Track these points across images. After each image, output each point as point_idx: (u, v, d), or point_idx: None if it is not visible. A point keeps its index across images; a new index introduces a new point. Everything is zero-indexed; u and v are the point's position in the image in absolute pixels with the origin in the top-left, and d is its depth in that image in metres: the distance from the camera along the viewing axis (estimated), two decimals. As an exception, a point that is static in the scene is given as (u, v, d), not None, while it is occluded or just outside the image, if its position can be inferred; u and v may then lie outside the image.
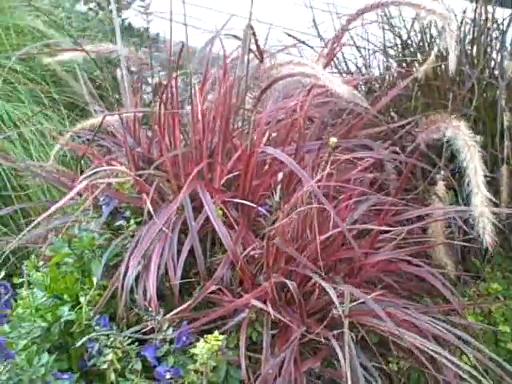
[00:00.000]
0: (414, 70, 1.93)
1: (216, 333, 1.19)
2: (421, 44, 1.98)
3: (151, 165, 1.50)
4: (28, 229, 1.42)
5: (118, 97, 1.79)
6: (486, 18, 1.86)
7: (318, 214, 1.35)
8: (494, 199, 1.37)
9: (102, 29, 2.75)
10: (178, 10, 1.56)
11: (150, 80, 1.94)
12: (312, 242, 1.33)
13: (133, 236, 1.43)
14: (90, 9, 3.11)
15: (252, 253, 1.34)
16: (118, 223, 1.44)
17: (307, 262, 1.32)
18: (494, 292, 1.84)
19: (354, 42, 1.92)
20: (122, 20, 3.14)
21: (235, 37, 1.66)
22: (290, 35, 1.70)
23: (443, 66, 1.83)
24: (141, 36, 3.14)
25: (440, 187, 1.55)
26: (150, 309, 1.28)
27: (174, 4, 1.55)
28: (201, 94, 1.59)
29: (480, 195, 1.30)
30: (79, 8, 3.09)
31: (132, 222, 1.45)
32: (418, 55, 2.00)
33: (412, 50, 2.01)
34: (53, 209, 1.36)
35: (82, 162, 1.55)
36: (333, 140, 1.37)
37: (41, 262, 1.46)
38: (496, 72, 1.90)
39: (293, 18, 2.49)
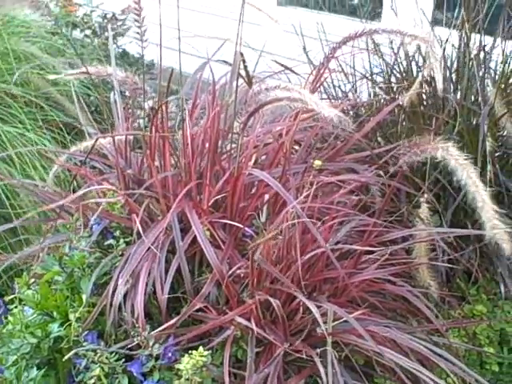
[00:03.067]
0: (400, 95, 1.99)
1: (201, 349, 1.21)
2: (406, 70, 2.04)
3: (141, 186, 1.54)
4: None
5: (111, 121, 1.83)
6: (468, 45, 1.92)
7: (302, 235, 1.39)
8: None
9: (98, 55, 2.81)
10: (170, 36, 1.61)
11: (143, 105, 1.99)
12: (296, 262, 1.36)
13: (122, 255, 1.47)
14: (86, 36, 3.19)
15: (238, 272, 1.38)
16: (107, 242, 1.47)
17: (290, 281, 1.35)
18: (478, 314, 1.87)
19: (342, 69, 1.98)
20: (118, 47, 3.22)
21: (225, 62, 1.71)
22: (277, 62, 1.75)
23: (428, 92, 1.88)
24: (136, 63, 3.21)
25: (423, 210, 1.59)
26: (138, 325, 1.31)
27: (167, 31, 1.60)
28: (190, 119, 1.64)
29: (487, 208, 1.33)
30: (75, 35, 3.16)
31: (121, 241, 1.48)
32: (404, 81, 2.06)
33: (398, 75, 2.07)
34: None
35: (75, 182, 1.59)
36: (317, 163, 1.42)
37: (32, 280, 1.50)
38: (479, 98, 1.95)
39: (283, 44, 2.56)
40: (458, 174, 1.38)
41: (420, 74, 1.88)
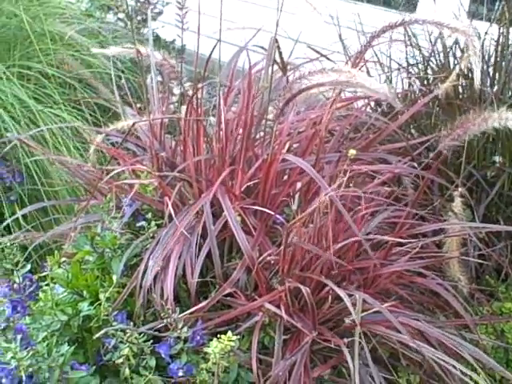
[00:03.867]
0: (436, 87, 1.96)
1: (229, 333, 1.22)
2: (443, 62, 2.01)
3: (174, 169, 1.54)
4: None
5: (144, 104, 1.84)
6: (508, 38, 1.88)
7: (333, 224, 1.38)
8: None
9: (131, 38, 2.82)
10: (205, 23, 1.61)
11: (176, 90, 1.99)
12: (327, 250, 1.35)
13: (153, 237, 1.47)
14: (119, 19, 3.19)
15: (268, 258, 1.38)
16: (139, 224, 1.48)
17: (320, 270, 1.35)
18: (507, 311, 1.84)
19: (378, 59, 1.95)
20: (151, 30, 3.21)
21: (262, 48, 1.70)
22: (313, 49, 1.74)
23: (464, 85, 1.85)
24: (167, 47, 3.21)
25: (457, 204, 1.57)
26: (167, 307, 1.31)
27: (202, 18, 1.60)
28: (225, 104, 1.63)
29: None
30: (109, 18, 3.17)
31: (153, 223, 1.49)
32: (440, 73, 2.03)
33: (434, 67, 2.04)
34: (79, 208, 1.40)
35: (108, 162, 1.59)
36: (352, 152, 1.40)
37: (63, 259, 1.51)
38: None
39: (319, 33, 2.54)
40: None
41: (457, 67, 1.86)
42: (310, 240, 1.38)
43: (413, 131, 2.03)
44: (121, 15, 3.27)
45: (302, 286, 1.27)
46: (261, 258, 1.35)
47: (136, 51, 1.61)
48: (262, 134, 1.61)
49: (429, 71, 2.01)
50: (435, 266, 1.59)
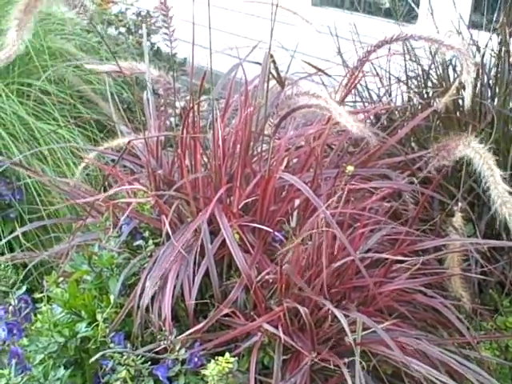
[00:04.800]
0: (436, 100, 1.95)
1: (227, 355, 1.20)
2: (443, 76, 2.00)
3: (172, 187, 1.53)
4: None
5: (143, 119, 1.83)
6: (508, 51, 1.87)
7: (332, 242, 1.37)
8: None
9: (131, 53, 2.82)
10: (203, 35, 1.60)
11: (176, 104, 1.99)
12: (326, 269, 1.34)
13: (151, 256, 1.46)
14: (120, 33, 3.20)
15: (266, 277, 1.36)
16: (136, 243, 1.47)
17: (319, 288, 1.33)
18: (511, 326, 1.82)
19: (377, 72, 1.94)
20: (152, 44, 3.22)
21: (258, 64, 1.69)
22: (310, 64, 1.73)
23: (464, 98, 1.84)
24: (168, 60, 3.22)
25: (457, 218, 1.56)
26: (164, 328, 1.30)
27: (200, 30, 1.60)
28: (222, 120, 1.63)
29: (499, 189, 1.29)
30: (110, 32, 3.17)
31: (150, 242, 1.48)
32: (440, 87, 2.02)
33: (434, 80, 2.03)
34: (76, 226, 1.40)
35: (106, 181, 1.59)
36: (349, 168, 1.39)
37: (61, 278, 1.50)
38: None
39: (317, 45, 2.53)
40: (475, 162, 1.33)
41: (456, 80, 1.84)
42: (308, 258, 1.37)
43: (413, 144, 2.02)
44: (122, 29, 3.28)
45: (300, 307, 1.25)
46: (259, 277, 1.34)
47: (130, 67, 1.60)
48: (259, 149, 1.60)
49: (428, 84, 2.00)
50: (437, 282, 1.57)
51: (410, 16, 3.04)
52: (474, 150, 1.29)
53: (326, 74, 1.67)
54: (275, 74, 1.58)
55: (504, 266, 1.83)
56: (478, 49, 1.98)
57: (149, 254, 1.46)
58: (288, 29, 1.74)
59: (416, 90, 1.98)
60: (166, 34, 1.63)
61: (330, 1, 3.58)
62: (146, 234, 1.50)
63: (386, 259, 1.44)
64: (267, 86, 1.46)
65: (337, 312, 1.23)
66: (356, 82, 1.57)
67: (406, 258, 1.38)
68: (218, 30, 1.53)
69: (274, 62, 1.40)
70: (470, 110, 1.86)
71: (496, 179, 1.29)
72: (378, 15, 3.28)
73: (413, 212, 1.65)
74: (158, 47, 3.28)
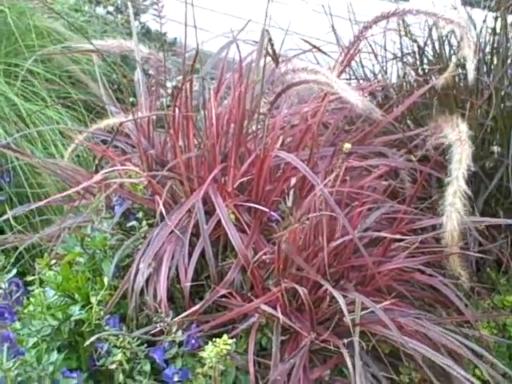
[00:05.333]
0: (432, 77, 1.92)
1: (225, 337, 1.18)
2: (438, 51, 1.97)
3: (164, 167, 1.50)
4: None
5: (134, 99, 1.79)
6: (506, 27, 1.84)
7: (330, 221, 1.35)
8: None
9: (120, 32, 2.76)
10: (194, 15, 1.56)
11: (167, 84, 1.95)
12: (323, 249, 1.32)
13: (144, 237, 1.43)
14: (109, 12, 3.14)
15: (263, 257, 1.34)
16: (130, 224, 1.44)
17: (317, 268, 1.31)
18: (509, 305, 1.82)
19: (372, 49, 1.91)
20: (141, 24, 3.16)
21: (254, 42, 1.65)
22: (306, 41, 1.70)
23: (461, 75, 1.81)
24: (158, 39, 3.16)
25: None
26: (160, 311, 1.28)
27: (191, 9, 1.56)
28: (215, 98, 1.59)
29: (455, 186, 1.27)
30: (98, 11, 3.11)
31: (144, 223, 1.45)
32: (437, 63, 1.99)
33: (429, 57, 2.00)
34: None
35: (97, 162, 1.55)
36: (347, 146, 1.37)
37: (53, 261, 1.47)
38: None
39: (310, 24, 2.49)
40: (453, 149, 1.29)
41: (453, 57, 1.81)
42: (305, 237, 1.35)
43: (409, 122, 1.99)
44: (110, 8, 3.22)
45: (298, 287, 1.23)
46: (256, 257, 1.31)
47: (119, 45, 1.56)
48: (254, 128, 1.57)
49: (424, 60, 1.97)
50: (435, 261, 1.55)
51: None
52: (457, 136, 1.26)
53: (321, 50, 1.64)
54: (270, 51, 1.55)
55: (501, 245, 1.82)
56: (474, 25, 1.95)
57: (143, 235, 1.44)
58: (281, 7, 1.70)
59: (412, 66, 1.95)
60: (155, 10, 1.59)
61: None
62: (140, 214, 1.47)
63: (384, 238, 1.42)
64: (264, 63, 1.42)
65: (335, 293, 1.21)
66: (352, 58, 1.54)
67: (404, 237, 1.36)
68: (211, 10, 1.49)
69: (270, 39, 1.37)
70: (466, 86, 1.83)
71: (458, 175, 1.27)
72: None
73: (410, 190, 1.63)
74: (147, 26, 3.22)
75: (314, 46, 1.67)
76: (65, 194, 1.29)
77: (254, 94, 1.54)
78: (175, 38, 3.05)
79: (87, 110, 2.14)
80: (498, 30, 1.89)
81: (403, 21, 1.89)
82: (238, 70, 1.61)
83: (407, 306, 1.42)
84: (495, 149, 1.92)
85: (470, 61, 1.22)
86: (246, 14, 1.82)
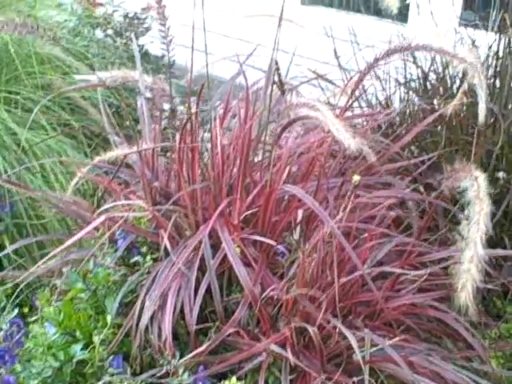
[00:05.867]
0: (436, 103, 1.90)
1: (234, 379, 1.14)
2: (442, 77, 1.95)
3: (169, 199, 1.47)
4: (42, 261, 1.40)
5: (133, 123, 1.76)
6: (510, 50, 1.83)
7: (338, 253, 1.32)
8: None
9: (120, 56, 2.75)
10: (198, 38, 1.54)
11: (164, 106, 1.92)
12: (332, 284, 1.29)
13: (149, 272, 1.40)
14: (108, 35, 3.12)
15: (271, 293, 1.31)
16: (133, 260, 1.41)
17: (326, 303, 1.28)
18: (516, 334, 1.79)
19: (377, 75, 1.89)
20: (139, 46, 3.15)
21: (262, 71, 1.63)
22: (312, 71, 1.68)
23: (467, 102, 1.79)
24: (155, 62, 3.15)
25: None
26: (165, 351, 1.24)
27: (195, 32, 1.53)
28: (221, 127, 1.57)
29: (472, 251, 1.22)
30: (97, 35, 3.10)
31: (148, 258, 1.42)
32: (440, 89, 1.97)
33: (433, 82, 1.98)
34: (69, 242, 1.33)
35: (101, 194, 1.52)
36: (356, 178, 1.34)
37: (54, 296, 1.44)
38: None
39: (314, 47, 2.47)
40: (472, 206, 1.25)
41: (457, 82, 1.79)
42: (313, 272, 1.32)
43: (412, 148, 1.97)
44: (109, 31, 3.21)
45: (308, 326, 1.20)
46: (263, 294, 1.28)
47: (123, 76, 1.53)
48: (260, 157, 1.54)
49: (428, 86, 1.95)
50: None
51: (401, 14, 2.99)
52: (475, 193, 1.22)
53: (326, 79, 1.62)
54: (277, 80, 1.53)
55: (507, 272, 1.79)
56: (475, 47, 1.93)
57: (147, 270, 1.40)
58: (285, 30, 1.68)
59: (416, 93, 1.93)
60: (162, 31, 1.56)
61: (319, 0, 3.52)
62: (144, 249, 1.44)
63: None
64: (271, 93, 1.40)
65: (347, 332, 1.18)
66: (359, 90, 1.52)
67: (414, 272, 1.33)
68: (213, 32, 1.46)
69: (277, 69, 1.35)
70: (471, 112, 1.82)
71: (476, 240, 1.22)
72: (370, 14, 3.23)
73: (417, 220, 1.60)
74: (146, 49, 3.20)
75: (319, 75, 1.64)
76: (69, 242, 1.25)
77: (261, 124, 1.51)
78: (174, 60, 3.04)
79: (87, 137, 2.11)
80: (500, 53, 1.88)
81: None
82: (245, 99, 1.59)
83: (415, 340, 1.39)
84: (500, 175, 1.90)
85: (482, 101, 1.20)
86: (251, 36, 1.80)
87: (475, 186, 1.18)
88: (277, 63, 1.42)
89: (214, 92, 1.71)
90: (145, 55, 3.26)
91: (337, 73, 1.95)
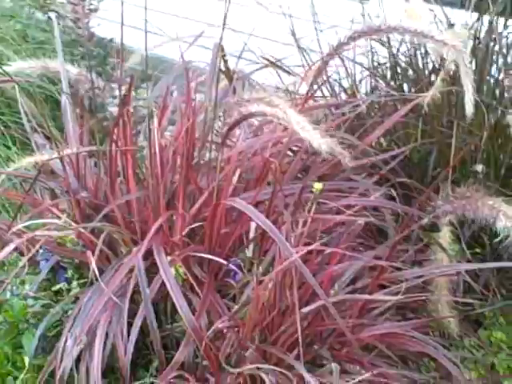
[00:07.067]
0: (407, 91, 1.71)
1: None
2: (412, 60, 1.75)
3: (99, 211, 1.25)
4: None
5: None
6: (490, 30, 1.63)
7: (300, 277, 1.12)
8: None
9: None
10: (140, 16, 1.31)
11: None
12: (292, 311, 1.09)
13: (76, 300, 1.18)
14: (50, 18, 2.86)
15: (220, 326, 1.10)
16: (55, 288, 1.19)
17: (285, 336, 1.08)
18: (497, 342, 1.63)
19: (343, 61, 1.68)
20: (85, 29, 2.89)
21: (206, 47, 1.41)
22: (266, 59, 1.46)
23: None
24: (105, 46, 2.90)
25: (444, 235, 1.32)
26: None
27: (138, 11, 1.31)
28: (159, 125, 1.34)
29: None
30: (38, 16, 2.84)
31: (75, 283, 1.21)
32: (410, 71, 1.78)
33: (403, 66, 1.78)
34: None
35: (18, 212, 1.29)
36: (318, 186, 1.13)
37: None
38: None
39: (272, 25, 2.25)
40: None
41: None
42: (270, 298, 1.11)
43: (381, 140, 1.78)
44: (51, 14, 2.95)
45: (265, 376, 0.99)
46: (210, 330, 1.07)
47: (43, 66, 1.30)
48: (205, 160, 1.33)
49: (398, 71, 1.75)
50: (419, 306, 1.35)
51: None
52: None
53: (282, 68, 1.40)
54: (224, 68, 1.31)
55: (487, 277, 1.63)
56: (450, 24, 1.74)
57: (73, 298, 1.18)
58: (240, 9, 1.47)
59: (384, 80, 1.73)
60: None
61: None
62: (69, 273, 1.21)
63: (364, 290, 1.20)
64: (216, 87, 1.18)
65: (309, 378, 0.98)
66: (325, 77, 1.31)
67: (386, 297, 1.13)
68: (157, 11, 1.25)
69: (223, 56, 1.13)
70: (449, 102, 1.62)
71: None
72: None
73: (392, 223, 1.41)
74: (92, 32, 2.95)
75: (275, 64, 1.43)
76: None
77: (206, 121, 1.30)
78: (112, 39, 2.78)
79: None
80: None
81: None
82: (186, 92, 1.37)
83: (391, 369, 1.21)
84: (480, 168, 1.72)
85: (468, 92, 1.00)
86: (197, 15, 1.59)
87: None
88: (223, 49, 1.20)
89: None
90: (91, 38, 3.01)
91: (297, 56, 1.74)
